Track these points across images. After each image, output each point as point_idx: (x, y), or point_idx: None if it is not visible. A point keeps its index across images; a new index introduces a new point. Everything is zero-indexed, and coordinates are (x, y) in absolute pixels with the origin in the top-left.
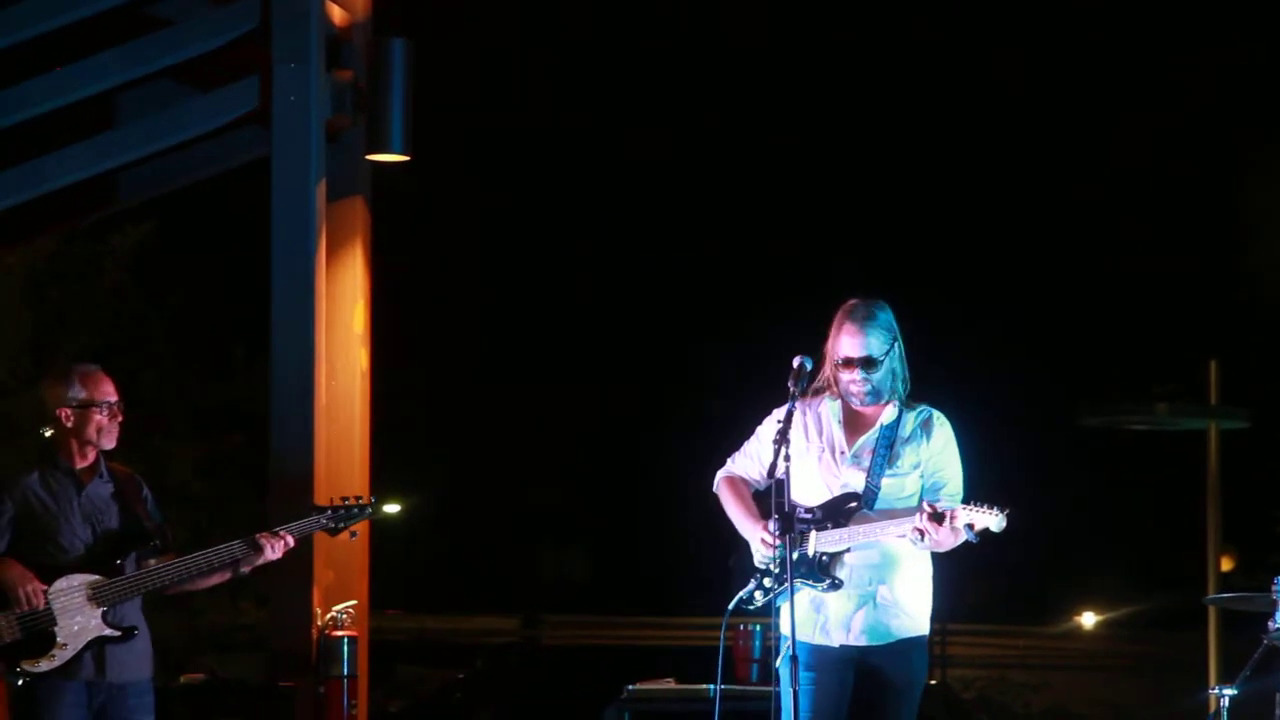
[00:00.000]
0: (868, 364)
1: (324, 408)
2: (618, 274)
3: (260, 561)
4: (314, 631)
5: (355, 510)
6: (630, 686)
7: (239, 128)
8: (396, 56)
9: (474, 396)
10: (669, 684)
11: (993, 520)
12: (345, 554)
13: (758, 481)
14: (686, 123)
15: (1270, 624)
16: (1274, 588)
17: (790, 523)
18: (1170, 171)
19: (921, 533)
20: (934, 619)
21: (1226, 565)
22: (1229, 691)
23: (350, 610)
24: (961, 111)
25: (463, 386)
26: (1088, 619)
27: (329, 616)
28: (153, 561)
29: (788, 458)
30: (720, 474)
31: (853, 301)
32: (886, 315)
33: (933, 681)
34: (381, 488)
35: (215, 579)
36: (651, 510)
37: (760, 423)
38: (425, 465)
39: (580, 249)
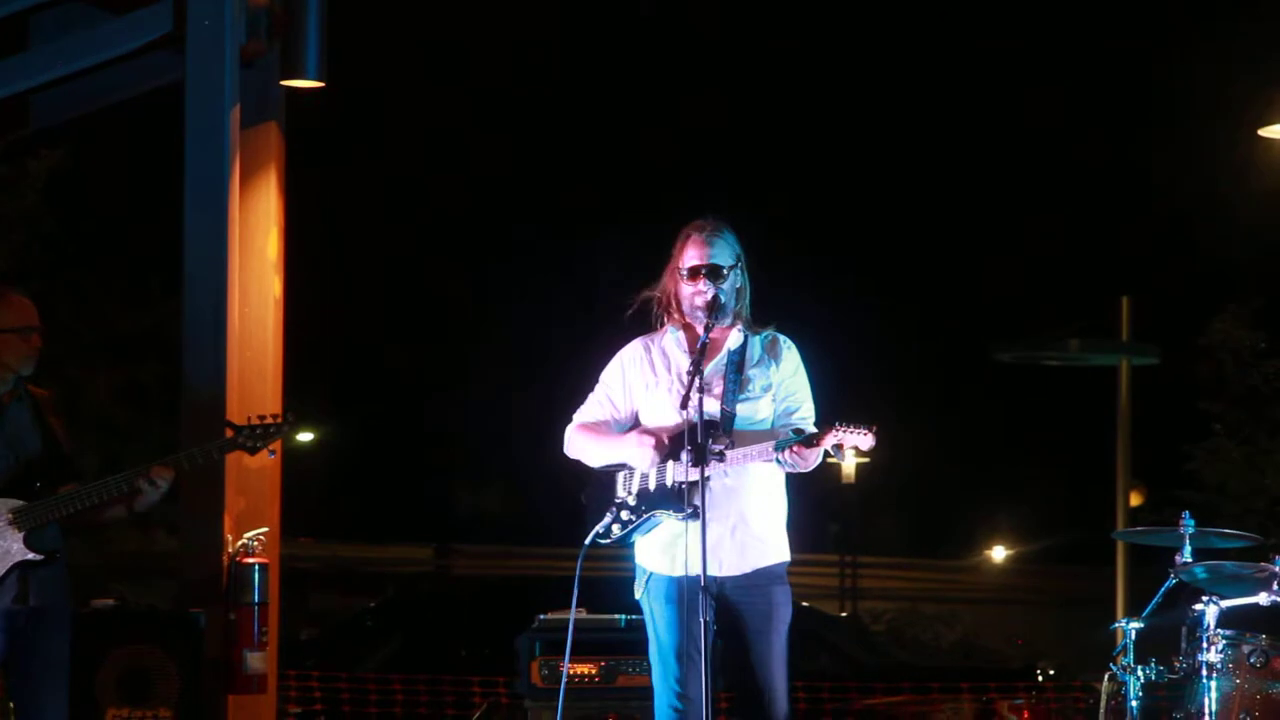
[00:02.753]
0: (713, 273)
1: (237, 335)
2: (536, 204)
3: (146, 496)
4: (225, 558)
5: (271, 429)
6: (542, 616)
7: (153, 52)
8: None
9: (389, 325)
10: (581, 614)
11: (862, 440)
12: (257, 481)
13: (609, 424)
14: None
15: (1177, 559)
16: (1181, 523)
17: (704, 454)
18: (1085, 111)
19: (789, 454)
20: (844, 551)
21: (1136, 500)
22: (1135, 625)
23: (261, 537)
24: (885, 61)
25: (378, 315)
26: (998, 553)
27: (240, 543)
28: (71, 485)
29: (700, 390)
30: (570, 429)
31: (699, 219)
32: (731, 234)
33: (843, 614)
34: (294, 416)
35: (111, 513)
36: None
37: (599, 374)
38: (339, 393)
39: (497, 181)
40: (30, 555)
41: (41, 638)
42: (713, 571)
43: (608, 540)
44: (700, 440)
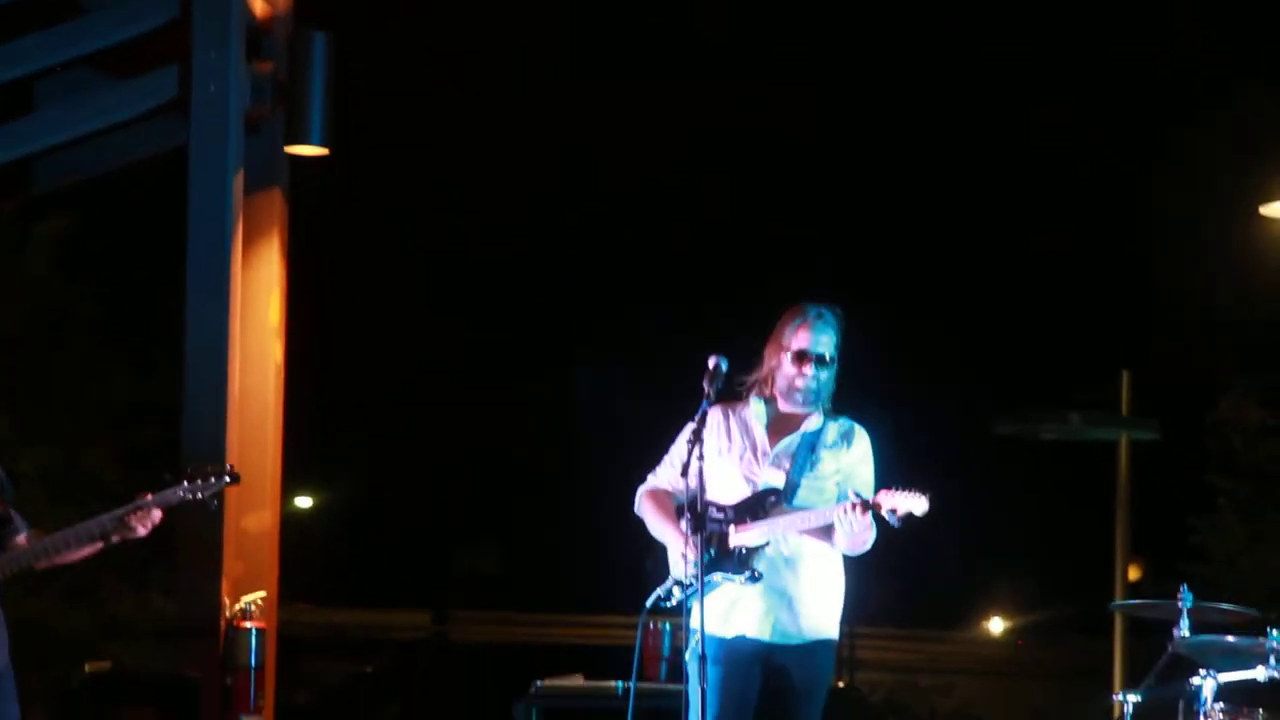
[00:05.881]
0: (822, 362)
1: (237, 400)
2: (538, 270)
3: (131, 536)
4: (222, 622)
5: (214, 480)
6: (539, 682)
7: (157, 116)
8: (317, 49)
9: (388, 388)
10: (578, 680)
11: (915, 504)
12: (255, 546)
13: (679, 491)
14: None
15: (1175, 631)
16: (1179, 596)
17: (702, 523)
18: (1086, 185)
19: (845, 513)
20: (842, 622)
21: (1134, 574)
22: (1133, 698)
23: (259, 602)
24: (881, 115)
25: (377, 378)
26: (996, 624)
27: (237, 607)
28: (20, 540)
29: (701, 457)
30: (640, 490)
31: (809, 302)
32: (840, 321)
33: (840, 684)
34: (294, 481)
35: (85, 552)
36: (564, 506)
37: (679, 431)
38: (338, 458)
39: (501, 245)
40: None
41: None
42: (766, 638)
43: (669, 603)
44: (700, 509)
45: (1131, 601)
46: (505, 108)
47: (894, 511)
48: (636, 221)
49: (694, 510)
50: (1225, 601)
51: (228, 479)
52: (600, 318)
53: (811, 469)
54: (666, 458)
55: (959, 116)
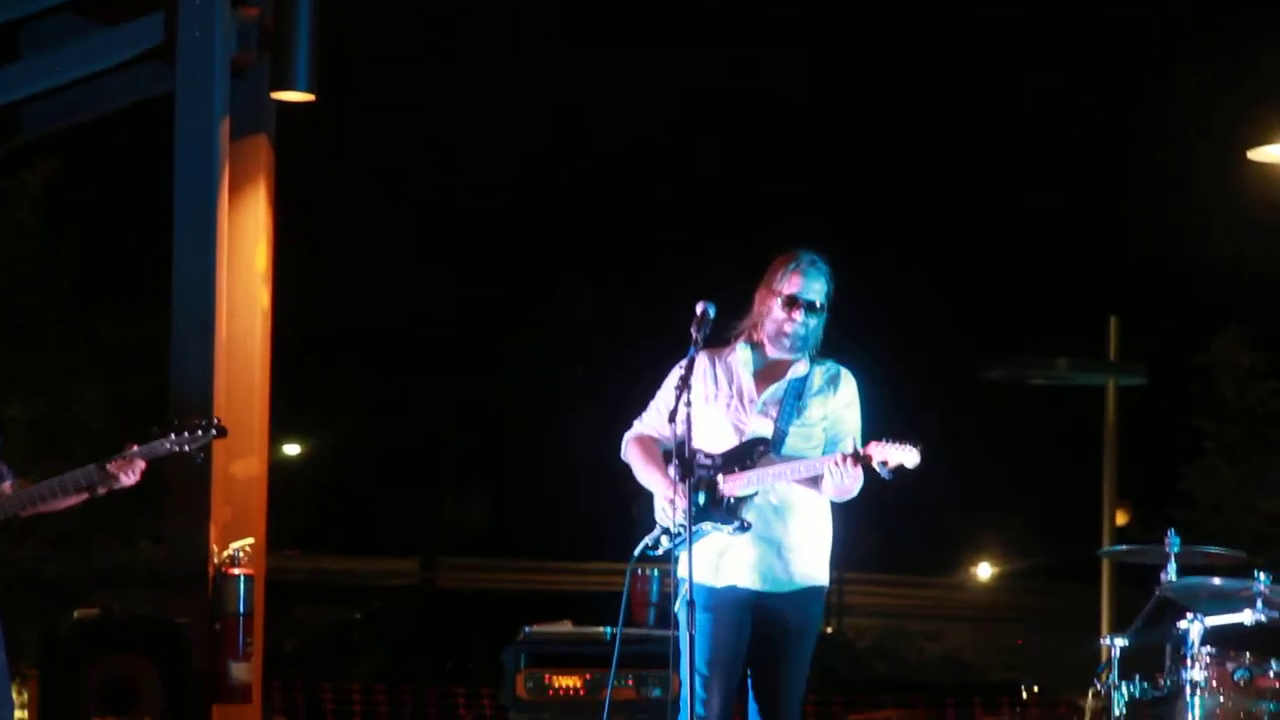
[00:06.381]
0: (812, 308)
1: (224, 345)
2: (527, 223)
3: (117, 486)
4: (210, 568)
5: (200, 433)
6: (527, 628)
7: (143, 63)
8: None
9: (377, 337)
10: (566, 626)
11: (907, 456)
12: (243, 492)
13: (666, 438)
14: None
15: (1162, 576)
16: (1166, 541)
17: (690, 469)
18: (1074, 134)
19: (836, 465)
20: (831, 568)
21: (1121, 519)
22: (1121, 642)
23: (247, 548)
24: (873, 69)
25: (367, 328)
26: (983, 570)
27: (225, 554)
28: (5, 488)
29: (689, 404)
30: (628, 435)
31: (802, 249)
32: (830, 270)
33: (829, 630)
34: (281, 428)
35: (70, 501)
36: (552, 455)
37: (665, 378)
38: (328, 406)
39: (489, 199)
40: None
41: None
42: (756, 586)
43: (656, 552)
44: (688, 456)
45: (1119, 547)
46: (498, 70)
47: (885, 464)
48: (625, 178)
49: (682, 457)
50: (1212, 545)
51: (214, 432)
52: (588, 269)
53: (799, 416)
54: (653, 403)
55: (950, 80)
